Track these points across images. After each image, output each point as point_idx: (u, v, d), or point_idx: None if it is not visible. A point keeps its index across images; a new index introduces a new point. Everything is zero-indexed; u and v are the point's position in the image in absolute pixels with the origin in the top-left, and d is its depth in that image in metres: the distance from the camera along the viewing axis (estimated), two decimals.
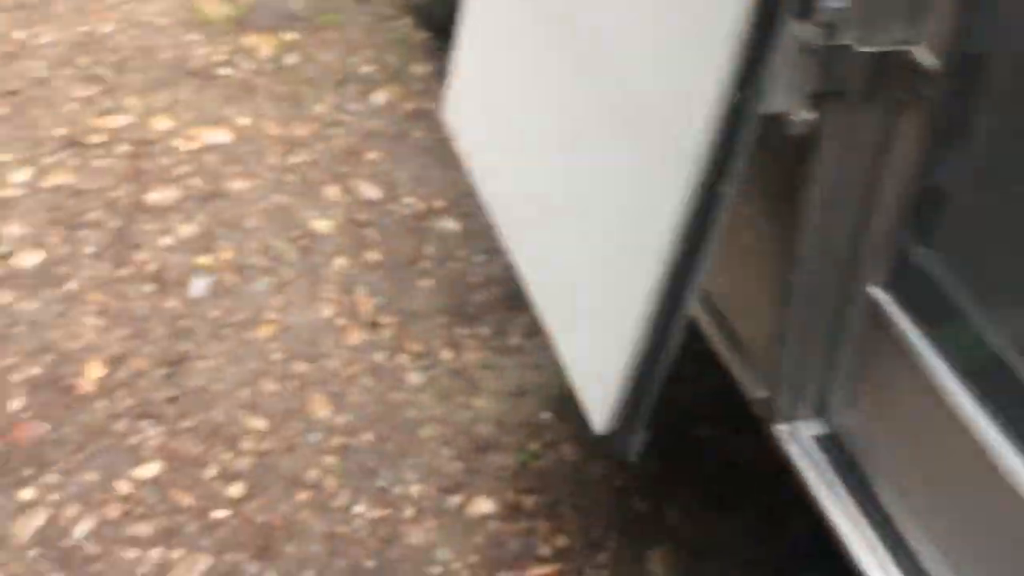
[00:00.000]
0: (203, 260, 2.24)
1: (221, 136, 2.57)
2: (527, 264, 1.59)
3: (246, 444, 1.90)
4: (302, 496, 1.83)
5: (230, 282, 2.21)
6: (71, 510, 1.78)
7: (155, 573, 1.70)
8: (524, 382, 2.06)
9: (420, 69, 2.85)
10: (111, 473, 1.84)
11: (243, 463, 1.87)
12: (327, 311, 2.17)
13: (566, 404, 2.00)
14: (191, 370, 2.02)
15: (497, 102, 1.76)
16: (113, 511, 1.78)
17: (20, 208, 2.33)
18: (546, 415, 1.99)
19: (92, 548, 1.73)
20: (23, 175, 2.42)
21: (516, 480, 1.87)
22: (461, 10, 1.90)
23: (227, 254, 2.27)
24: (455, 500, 1.84)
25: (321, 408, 1.98)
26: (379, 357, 2.08)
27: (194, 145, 2.54)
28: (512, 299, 2.22)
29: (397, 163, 2.54)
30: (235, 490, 1.82)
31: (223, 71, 2.78)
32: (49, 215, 2.32)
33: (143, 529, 1.76)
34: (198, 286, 2.19)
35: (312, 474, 1.86)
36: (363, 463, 1.89)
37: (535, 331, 2.15)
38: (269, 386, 2.01)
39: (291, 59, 2.85)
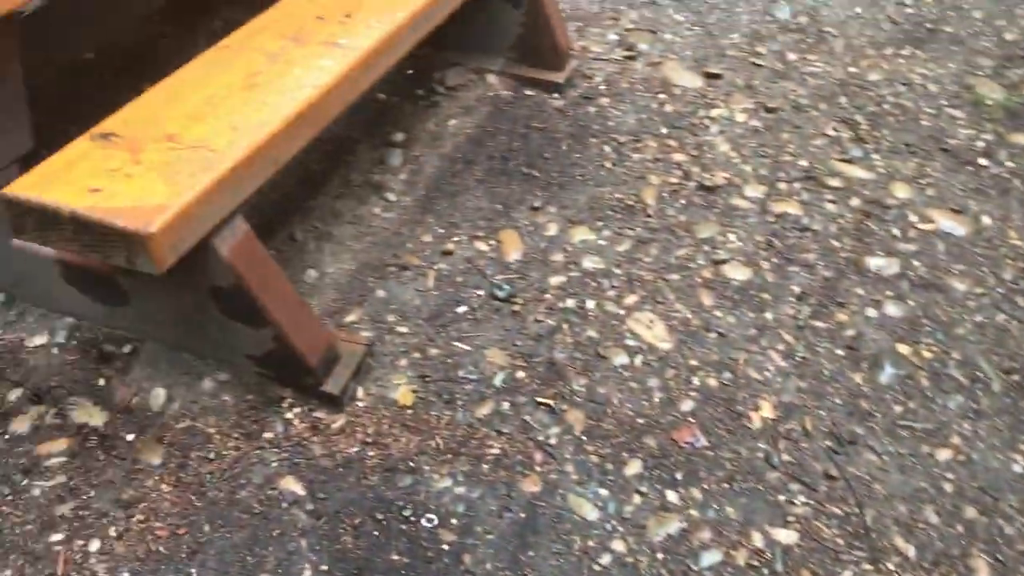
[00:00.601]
0: (902, 348, 2.09)
1: (958, 227, 2.38)
2: None
3: (889, 565, 1.73)
4: None
5: (923, 384, 2.03)
6: (702, 533, 1.77)
7: None
8: None
9: None
10: (750, 519, 1.79)
11: None
12: (1020, 466, 1.89)
13: None
14: (857, 456, 1.89)
15: None
16: (740, 557, 1.74)
17: (745, 222, 2.39)
18: None
19: None
20: (757, 191, 2.47)
21: None
22: None
23: (928, 353, 2.08)
24: None
25: (982, 571, 1.73)
26: None
27: (927, 225, 2.38)
28: None
29: None
30: None
31: (980, 160, 2.57)
32: (767, 239, 2.34)
33: None
34: (889, 373, 2.04)
35: None
36: None
37: None
38: (931, 515, 1.81)
39: None
